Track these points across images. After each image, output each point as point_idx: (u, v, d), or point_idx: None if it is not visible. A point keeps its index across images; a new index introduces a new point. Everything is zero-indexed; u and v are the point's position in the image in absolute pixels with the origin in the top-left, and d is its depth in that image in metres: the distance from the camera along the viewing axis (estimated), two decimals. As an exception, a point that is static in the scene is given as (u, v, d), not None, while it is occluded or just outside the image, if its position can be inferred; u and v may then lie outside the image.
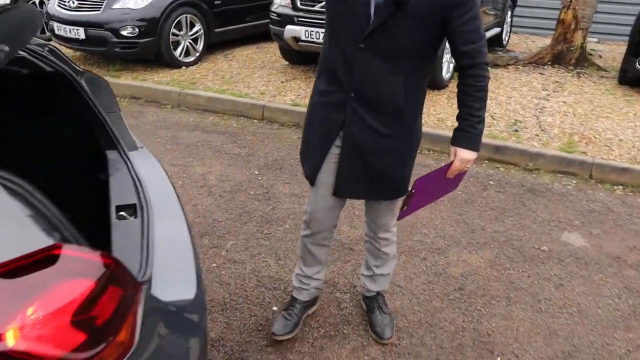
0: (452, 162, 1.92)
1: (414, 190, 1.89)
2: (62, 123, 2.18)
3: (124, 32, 5.46)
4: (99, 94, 2.16)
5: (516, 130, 4.49)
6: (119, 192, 1.85)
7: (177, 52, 5.92)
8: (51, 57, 1.95)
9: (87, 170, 2.14)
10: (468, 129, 1.86)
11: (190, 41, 6.03)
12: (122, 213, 1.72)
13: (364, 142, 1.91)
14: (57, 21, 5.64)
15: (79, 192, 2.13)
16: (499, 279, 2.75)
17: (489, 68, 1.84)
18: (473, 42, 1.76)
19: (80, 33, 5.47)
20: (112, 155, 2.07)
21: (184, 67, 5.98)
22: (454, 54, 1.83)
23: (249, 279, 2.72)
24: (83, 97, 1.99)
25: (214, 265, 2.84)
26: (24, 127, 2.14)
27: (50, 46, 2.04)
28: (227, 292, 2.62)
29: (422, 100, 1.98)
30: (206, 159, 4.09)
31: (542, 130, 4.53)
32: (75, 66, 2.13)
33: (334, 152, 1.97)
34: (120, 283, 1.03)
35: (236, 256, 2.90)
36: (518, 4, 8.01)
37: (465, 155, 1.88)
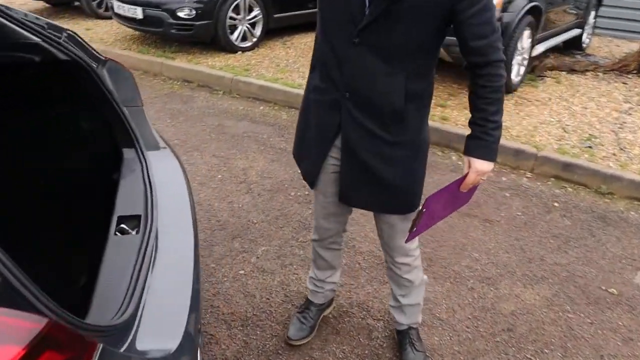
0: (466, 175, 1.67)
1: (424, 210, 1.63)
2: (78, 115, 2.02)
3: (181, 14, 5.34)
4: (121, 85, 1.99)
5: (590, 147, 4.04)
6: (127, 198, 1.67)
7: (234, 37, 5.77)
8: (67, 44, 1.79)
9: (101, 169, 1.98)
10: (482, 136, 1.62)
11: (248, 26, 5.85)
12: (123, 226, 1.53)
13: (363, 147, 1.70)
14: (118, -1, 5.61)
15: (89, 192, 1.98)
16: (555, 322, 2.41)
17: (504, 65, 1.58)
18: (484, 36, 1.52)
19: (138, 12, 5.41)
20: (128, 153, 1.89)
21: (239, 52, 5.82)
22: (462, 51, 1.59)
23: (276, 292, 2.51)
24: (100, 88, 1.82)
25: (242, 272, 2.65)
26: (36, 118, 2.00)
27: (69, 32, 1.87)
28: (251, 306, 2.42)
29: (427, 103, 1.73)
30: (250, 152, 3.91)
31: (620, 149, 4.06)
32: (97, 54, 1.96)
33: (332, 157, 1.80)
34: (61, 346, 0.82)
35: (266, 264, 2.70)
36: (603, 3, 7.33)
37: (481, 166, 1.64)
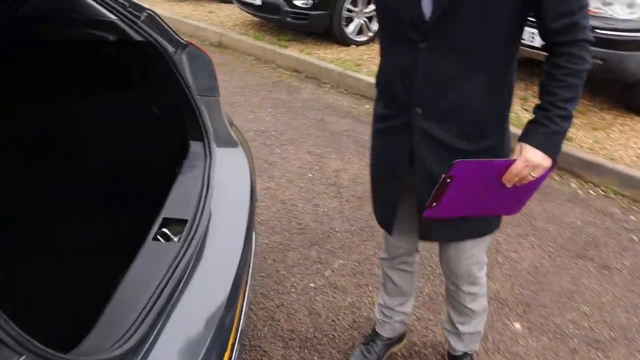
0: (513, 161, 1.34)
1: (449, 179, 1.30)
2: (149, 99, 1.91)
3: (298, 2, 5.23)
4: (200, 72, 1.84)
5: None
6: (179, 198, 1.51)
7: (349, 30, 5.55)
8: (144, 25, 1.66)
9: (165, 160, 1.85)
10: (544, 122, 1.31)
11: (365, 19, 5.61)
12: (165, 230, 1.37)
13: (442, 165, 1.37)
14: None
15: (148, 184, 1.86)
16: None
17: (590, 47, 1.28)
18: (568, 13, 1.25)
19: (257, -2, 5.39)
20: (195, 147, 1.74)
21: (353, 46, 5.60)
22: (542, 33, 1.31)
23: (344, 315, 2.28)
24: (174, 73, 1.68)
25: (312, 285, 2.44)
26: (106, 98, 1.92)
27: (149, 12, 1.76)
28: (314, 325, 2.21)
29: (509, 101, 1.47)
30: (346, 153, 3.69)
31: None
32: (177, 37, 1.83)
33: (406, 191, 1.56)
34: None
35: (340, 281, 2.48)
36: None
37: (533, 156, 1.31)
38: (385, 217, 1.69)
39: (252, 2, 5.48)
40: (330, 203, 3.11)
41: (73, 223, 2.04)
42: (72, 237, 2.00)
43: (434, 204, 1.37)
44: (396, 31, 1.37)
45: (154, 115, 1.92)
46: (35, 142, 2.02)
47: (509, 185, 1.35)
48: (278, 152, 3.67)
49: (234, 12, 6.67)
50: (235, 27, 6.26)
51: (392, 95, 1.46)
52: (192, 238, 1.35)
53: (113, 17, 1.62)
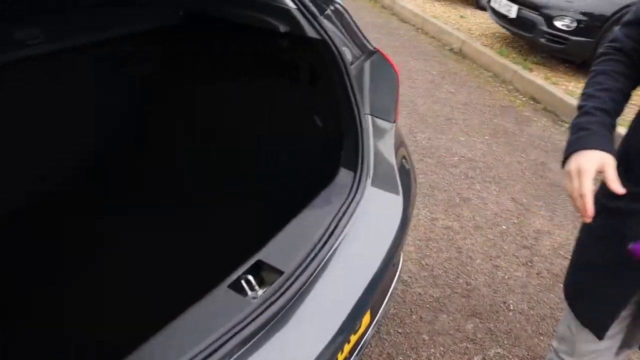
0: None
1: None
2: (312, 106, 1.64)
3: (558, 23, 4.48)
4: (380, 87, 1.51)
5: None
6: (289, 238, 1.23)
7: (615, 65, 4.61)
8: (325, 20, 1.38)
9: (307, 180, 1.57)
10: None
11: None
12: (250, 278, 1.10)
13: None
14: (498, -9, 5.08)
15: (280, 196, 1.60)
16: None
17: None
18: None
19: (512, 11, 4.78)
20: (344, 176, 1.43)
21: (614, 86, 4.65)
22: None
23: None
24: (344, 83, 1.38)
25: (453, 368, 1.98)
26: (262, 92, 1.69)
27: (340, 5, 1.47)
28: None
29: None
30: (559, 213, 3.01)
31: None
32: (364, 41, 1.51)
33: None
34: None
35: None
36: None
37: None
38: (602, 321, 1.25)
39: (506, 14, 4.90)
40: (515, 270, 2.54)
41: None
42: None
43: None
44: None
45: (314, 125, 1.66)
46: (183, 123, 1.95)
47: None
48: (477, 189, 3.17)
49: (486, 21, 6.12)
50: (482, 37, 5.73)
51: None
52: (275, 300, 1.05)
53: (291, 4, 1.38)
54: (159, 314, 1.09)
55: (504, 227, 2.85)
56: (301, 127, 1.69)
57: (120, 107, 2.04)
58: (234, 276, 1.10)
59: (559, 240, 2.78)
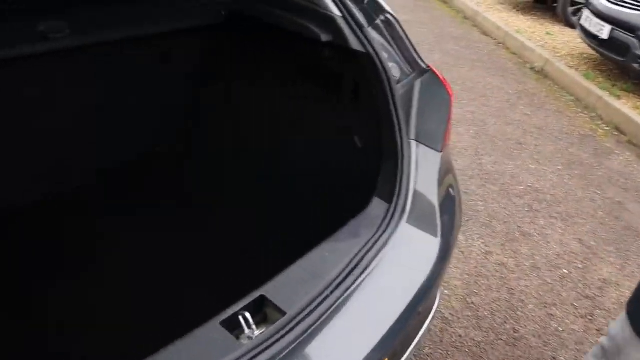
0: None
1: None
2: (353, 125, 1.49)
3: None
4: (429, 110, 1.35)
5: None
6: (302, 275, 1.10)
7: None
8: (372, 31, 1.23)
9: (338, 205, 1.42)
10: None
11: None
12: (247, 315, 0.98)
13: None
14: (590, 9, 4.67)
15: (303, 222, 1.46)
16: None
17: None
18: None
19: (605, 31, 4.38)
20: (376, 207, 1.28)
21: None
22: None
23: None
24: (387, 103, 1.23)
25: None
26: (298, 99, 1.56)
27: (391, 16, 1.31)
28: None
29: None
30: (631, 263, 2.70)
31: None
32: (417, 58, 1.35)
33: None
34: None
35: None
36: None
37: None
38: None
39: (598, 34, 4.50)
40: (572, 322, 2.27)
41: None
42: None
43: None
44: None
45: (353, 145, 1.50)
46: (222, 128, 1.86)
47: None
48: (540, 224, 2.90)
49: (574, 40, 5.69)
50: (567, 57, 5.33)
51: None
52: (271, 345, 0.92)
53: (337, 12, 1.24)
54: (159, 314, 1.00)
55: (565, 271, 2.58)
56: (337, 143, 1.55)
57: (131, 108, 1.97)
58: (230, 311, 0.97)
59: (628, 294, 2.47)
